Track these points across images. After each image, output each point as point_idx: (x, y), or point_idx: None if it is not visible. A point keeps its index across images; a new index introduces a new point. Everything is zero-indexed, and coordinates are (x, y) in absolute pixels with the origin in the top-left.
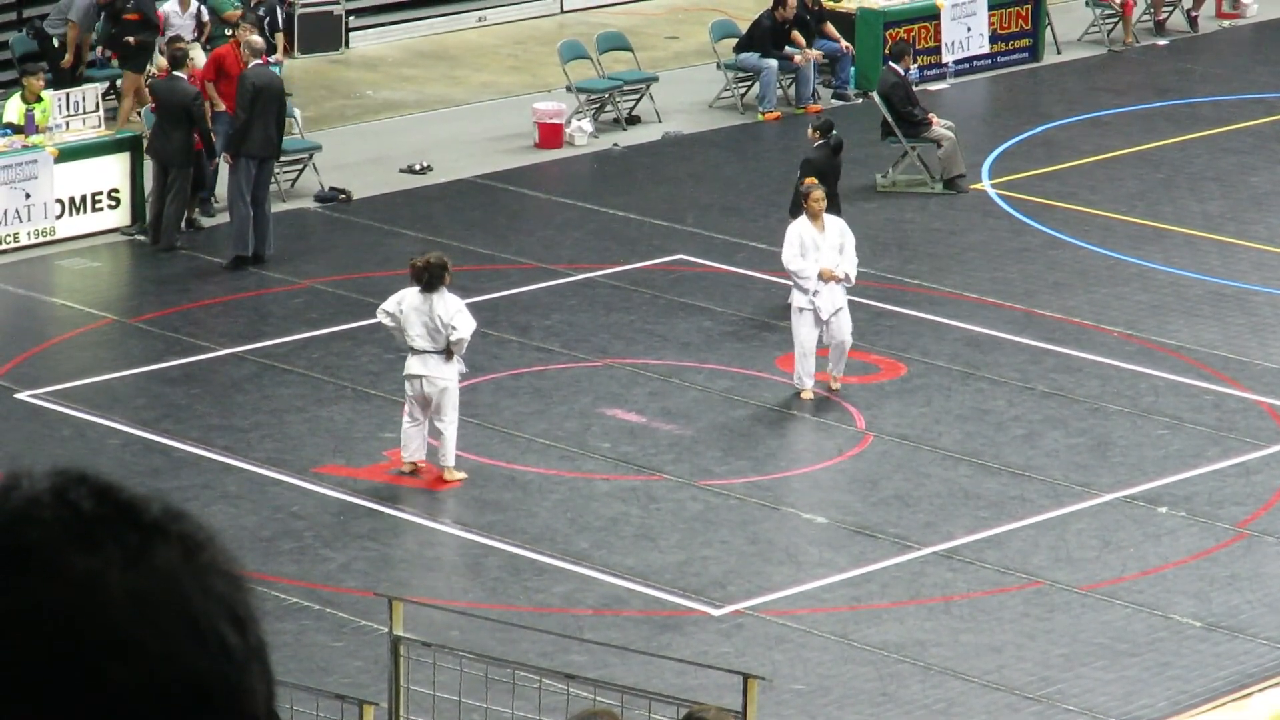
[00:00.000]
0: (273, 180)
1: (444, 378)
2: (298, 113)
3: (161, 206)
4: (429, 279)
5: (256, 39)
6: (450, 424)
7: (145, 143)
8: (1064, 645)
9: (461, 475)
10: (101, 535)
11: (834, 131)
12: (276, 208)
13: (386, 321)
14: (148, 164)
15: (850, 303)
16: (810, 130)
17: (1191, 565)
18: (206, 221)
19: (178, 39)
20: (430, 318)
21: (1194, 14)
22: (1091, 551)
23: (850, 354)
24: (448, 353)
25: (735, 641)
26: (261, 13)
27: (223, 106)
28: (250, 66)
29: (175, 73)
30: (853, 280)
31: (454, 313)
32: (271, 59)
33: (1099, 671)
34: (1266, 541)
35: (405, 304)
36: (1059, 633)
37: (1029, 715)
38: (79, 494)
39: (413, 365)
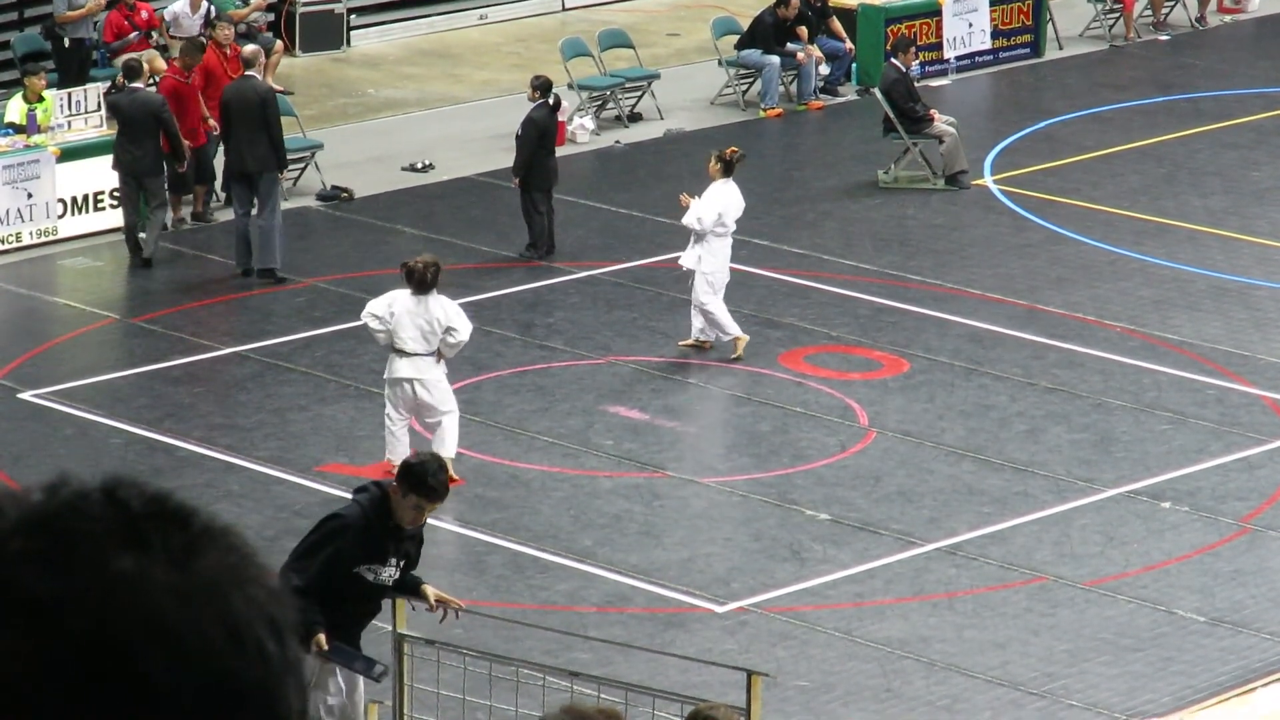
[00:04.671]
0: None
1: (435, 378)
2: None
3: (136, 219)
4: (429, 280)
5: (250, 46)
6: (449, 414)
7: (112, 158)
8: (1068, 641)
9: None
10: (149, 534)
11: (553, 90)
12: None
13: (374, 325)
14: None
15: (853, 299)
16: (531, 90)
17: (1195, 560)
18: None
19: (194, 38)
20: (426, 320)
21: (1200, 15)
22: (1095, 547)
23: (853, 350)
24: (437, 354)
25: (739, 638)
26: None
27: (217, 129)
28: (239, 78)
29: (131, 84)
30: (684, 222)
31: (453, 315)
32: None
33: (1103, 667)
34: (1270, 536)
35: (397, 307)
36: (1063, 628)
37: (1033, 711)
38: (129, 494)
39: (403, 368)
